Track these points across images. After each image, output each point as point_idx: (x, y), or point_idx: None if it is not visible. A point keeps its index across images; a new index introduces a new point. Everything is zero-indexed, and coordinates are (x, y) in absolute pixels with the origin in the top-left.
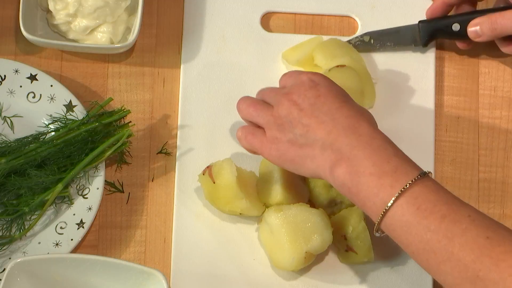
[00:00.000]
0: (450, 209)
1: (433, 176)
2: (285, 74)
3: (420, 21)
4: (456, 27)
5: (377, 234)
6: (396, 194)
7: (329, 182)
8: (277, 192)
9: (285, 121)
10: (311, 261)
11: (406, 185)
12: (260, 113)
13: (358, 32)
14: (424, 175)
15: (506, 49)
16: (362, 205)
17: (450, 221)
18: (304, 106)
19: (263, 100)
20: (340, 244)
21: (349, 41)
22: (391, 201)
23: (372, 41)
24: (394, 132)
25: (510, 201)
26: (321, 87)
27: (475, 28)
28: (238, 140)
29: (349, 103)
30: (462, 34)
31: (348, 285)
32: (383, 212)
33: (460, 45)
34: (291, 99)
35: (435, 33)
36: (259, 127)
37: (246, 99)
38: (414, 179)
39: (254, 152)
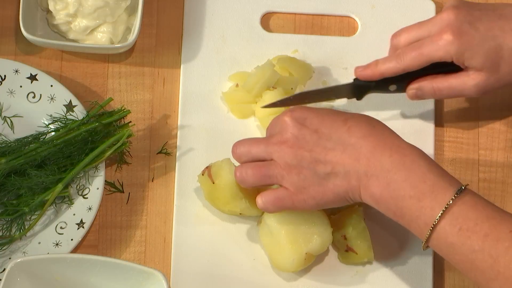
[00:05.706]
0: (492, 226)
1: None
2: (268, 126)
3: (355, 80)
4: (392, 87)
5: (425, 249)
6: (437, 218)
7: (375, 207)
8: None
9: (302, 168)
10: (311, 262)
11: (446, 206)
12: (270, 173)
13: (358, 32)
14: (460, 190)
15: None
16: (408, 227)
17: (493, 240)
18: (311, 147)
19: (255, 157)
20: (340, 244)
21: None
22: (433, 224)
23: (306, 100)
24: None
25: (510, 201)
26: (311, 119)
27: (415, 91)
28: (262, 209)
29: (349, 121)
30: (398, 92)
31: (348, 285)
32: (427, 234)
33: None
34: (291, 145)
35: (370, 91)
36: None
37: (243, 167)
38: (453, 198)
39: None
